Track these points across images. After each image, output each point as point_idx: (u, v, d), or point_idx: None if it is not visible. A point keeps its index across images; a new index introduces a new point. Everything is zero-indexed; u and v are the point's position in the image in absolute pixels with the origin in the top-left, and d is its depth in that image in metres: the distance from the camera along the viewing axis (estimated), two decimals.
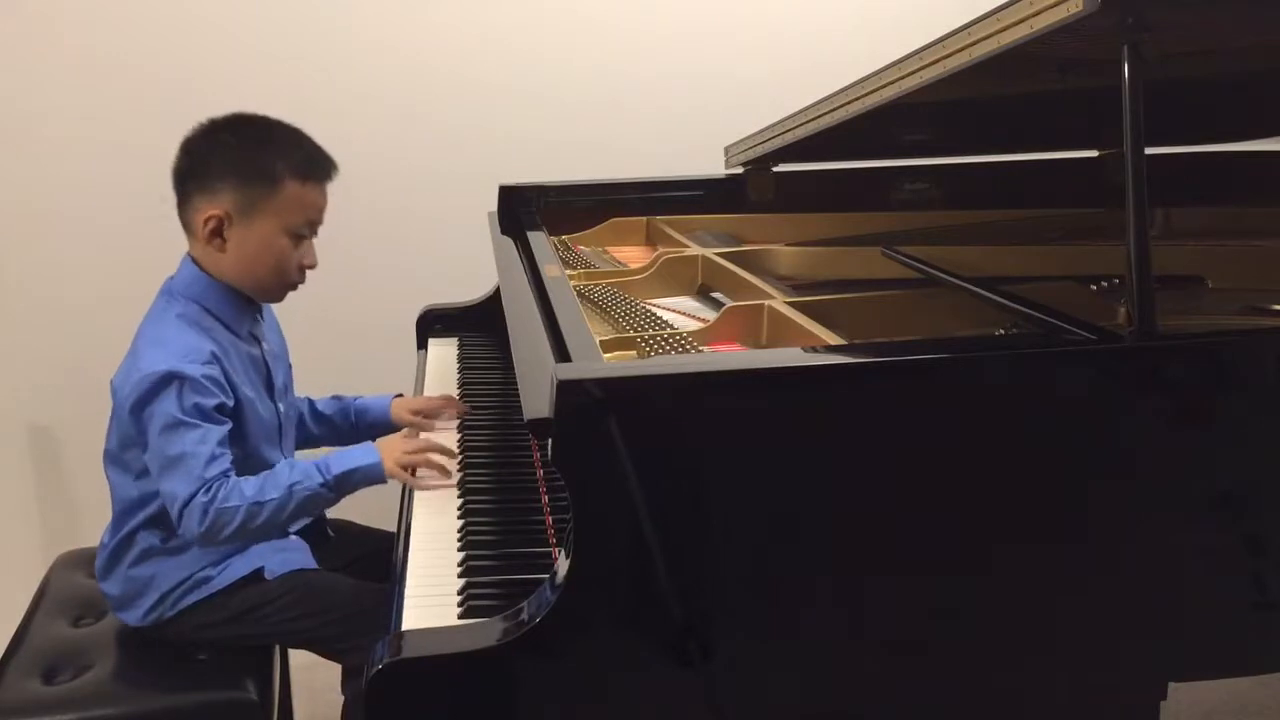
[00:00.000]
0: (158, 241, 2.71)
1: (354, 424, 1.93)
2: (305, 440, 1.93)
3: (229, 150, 1.61)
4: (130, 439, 1.60)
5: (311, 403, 1.93)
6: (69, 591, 1.83)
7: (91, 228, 2.61)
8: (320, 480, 1.56)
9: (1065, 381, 1.22)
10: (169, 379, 1.52)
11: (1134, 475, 1.23)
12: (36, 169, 2.57)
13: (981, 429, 1.19)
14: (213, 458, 1.52)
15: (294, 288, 1.69)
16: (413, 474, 1.62)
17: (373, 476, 1.60)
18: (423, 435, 1.78)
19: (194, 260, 1.65)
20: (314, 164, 1.64)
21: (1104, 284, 1.71)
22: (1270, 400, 1.26)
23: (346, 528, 1.92)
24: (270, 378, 1.73)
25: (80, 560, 1.92)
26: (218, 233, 1.61)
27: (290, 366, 1.85)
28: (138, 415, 1.54)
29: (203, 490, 1.50)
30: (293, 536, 1.76)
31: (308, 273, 1.68)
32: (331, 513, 1.87)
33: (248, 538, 1.59)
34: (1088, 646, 1.25)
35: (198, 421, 1.52)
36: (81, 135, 2.57)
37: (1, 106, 2.53)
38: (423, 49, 2.70)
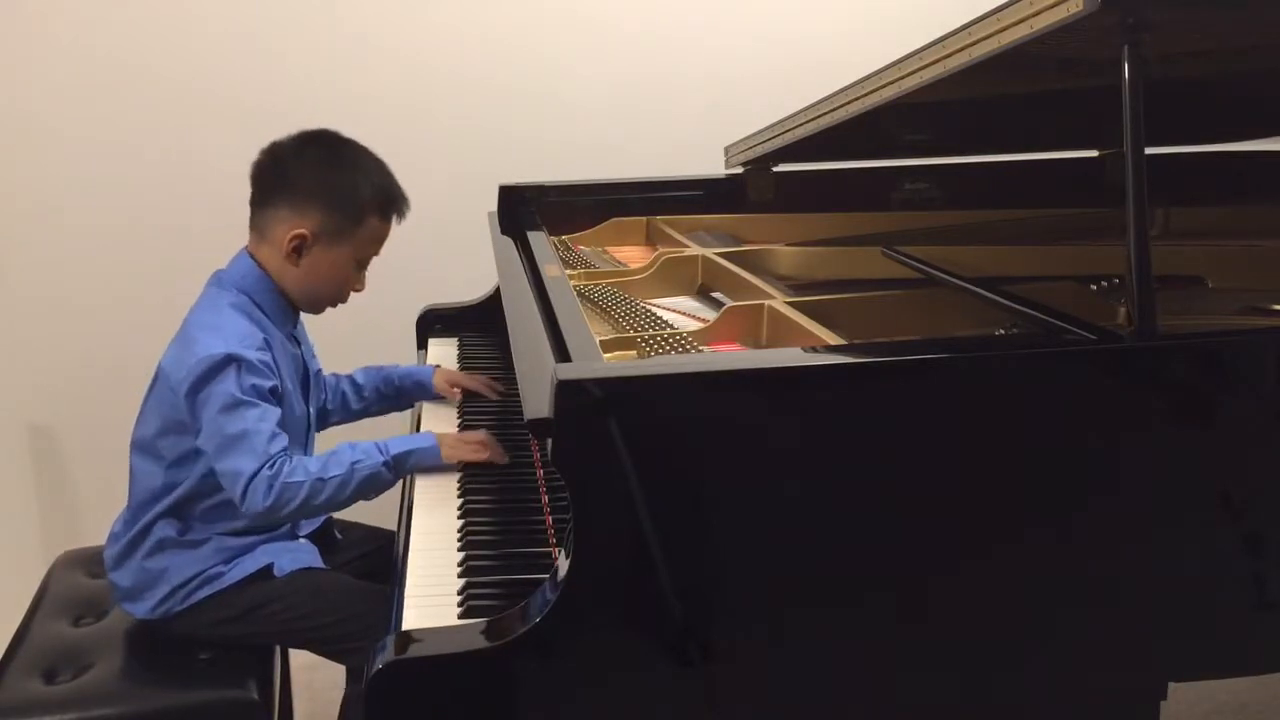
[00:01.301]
0: (158, 241, 2.72)
1: (399, 388, 1.99)
2: (349, 417, 1.98)
3: (320, 171, 1.65)
4: (174, 424, 1.62)
5: (351, 379, 1.98)
6: (69, 591, 1.82)
7: (93, 227, 2.61)
8: (381, 459, 1.60)
9: (1065, 381, 1.22)
10: (228, 361, 1.55)
11: (1134, 475, 1.23)
12: (37, 169, 2.57)
13: (981, 429, 1.20)
14: (274, 435, 1.56)
15: (335, 306, 1.75)
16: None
17: (429, 459, 1.65)
18: (425, 417, 1.85)
19: (252, 257, 1.68)
20: (395, 202, 1.71)
21: (1104, 284, 1.71)
22: (1270, 400, 1.26)
23: (353, 529, 1.93)
24: (308, 378, 1.77)
25: (80, 560, 1.92)
26: (298, 250, 1.65)
27: (319, 375, 1.88)
28: (193, 397, 1.56)
29: (267, 465, 1.53)
30: (302, 540, 1.77)
31: None
32: (345, 513, 1.87)
33: (309, 513, 1.63)
34: (1088, 646, 1.25)
35: (256, 401, 1.56)
36: (82, 135, 2.58)
37: (1, 106, 2.53)
38: (423, 49, 2.70)
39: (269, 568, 1.65)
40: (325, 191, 1.64)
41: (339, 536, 1.88)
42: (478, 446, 1.66)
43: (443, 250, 2.63)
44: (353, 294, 1.75)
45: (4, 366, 2.62)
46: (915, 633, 1.21)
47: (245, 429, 1.54)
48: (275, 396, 1.60)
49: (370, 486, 1.61)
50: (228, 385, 1.54)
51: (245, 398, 1.55)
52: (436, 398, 1.99)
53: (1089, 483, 1.22)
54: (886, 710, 1.23)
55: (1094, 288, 1.70)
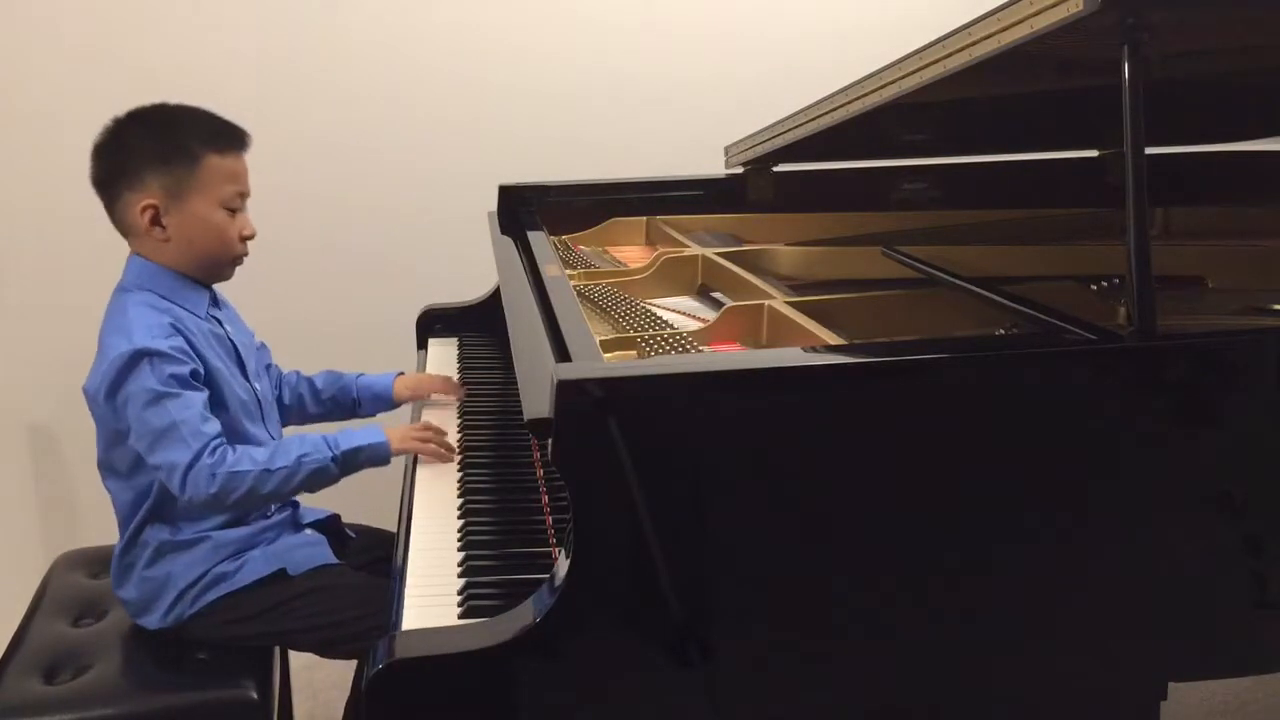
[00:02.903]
0: None
1: (356, 399, 1.98)
2: (306, 419, 1.97)
3: (142, 141, 1.63)
4: (114, 434, 1.61)
5: (310, 382, 1.96)
6: (69, 591, 1.82)
7: (92, 227, 2.60)
8: (329, 454, 1.60)
9: (1065, 381, 1.22)
10: (137, 357, 1.54)
11: (1134, 475, 1.23)
12: (37, 169, 2.57)
13: (981, 429, 1.19)
14: (203, 419, 1.54)
15: (239, 261, 1.72)
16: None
17: (378, 455, 1.65)
18: (425, 418, 1.84)
19: (137, 255, 1.68)
20: (227, 135, 1.67)
21: (1104, 284, 1.71)
22: (1270, 400, 1.26)
23: (366, 530, 1.92)
24: (240, 357, 1.74)
25: (80, 560, 1.92)
26: (156, 221, 1.63)
27: (262, 350, 1.87)
28: (112, 400, 1.56)
29: (206, 452, 1.52)
30: (309, 531, 1.76)
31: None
32: (346, 514, 1.87)
33: (253, 505, 1.63)
34: (1088, 646, 1.25)
35: (178, 390, 1.54)
36: (82, 135, 2.56)
37: (1, 106, 2.53)
38: (423, 49, 2.70)
39: (282, 571, 1.65)
40: (151, 156, 1.62)
41: (352, 535, 1.87)
42: (426, 437, 1.68)
43: (443, 250, 2.63)
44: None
45: (4, 366, 2.62)
46: (915, 632, 1.21)
47: (172, 420, 1.52)
48: (198, 380, 1.59)
49: (316, 481, 1.61)
50: (143, 380, 1.53)
51: (165, 389, 1.53)
52: (397, 405, 1.99)
53: (1089, 483, 1.22)
54: (886, 710, 1.23)
55: (1094, 288, 1.70)
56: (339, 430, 1.67)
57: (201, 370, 1.61)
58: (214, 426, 1.55)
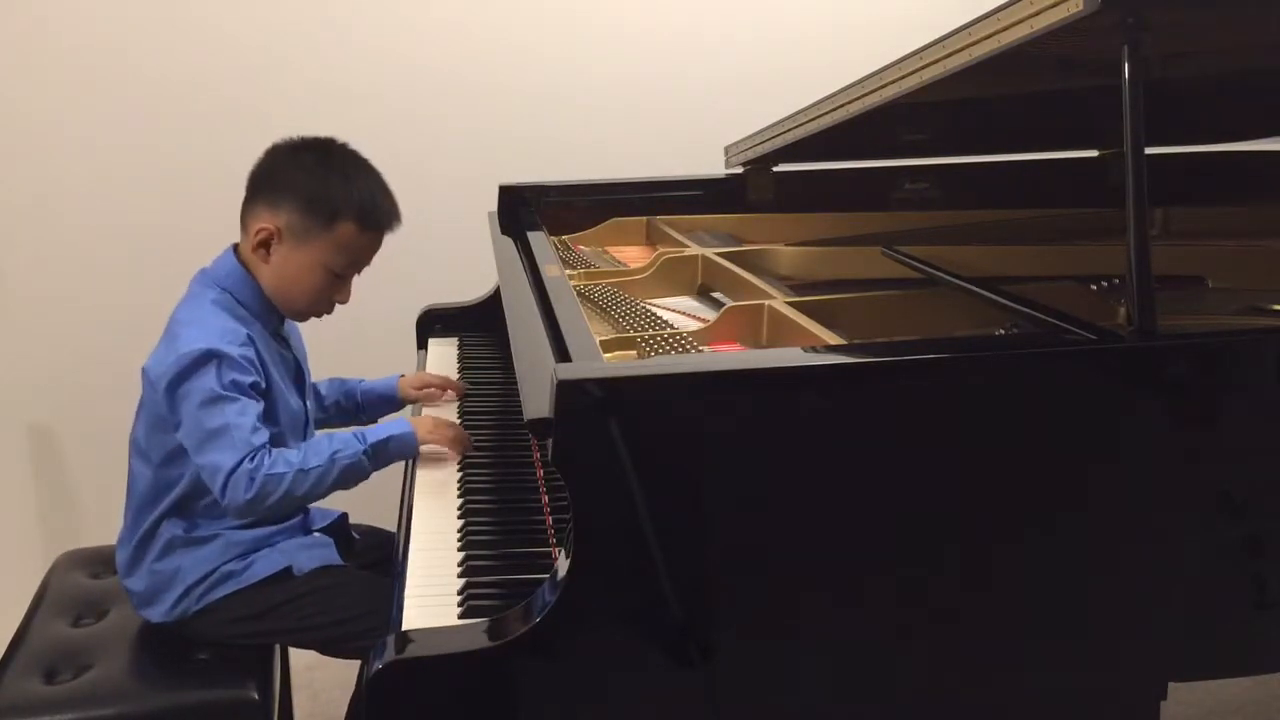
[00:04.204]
0: (158, 241, 2.72)
1: (360, 404, 1.99)
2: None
3: (305, 172, 1.64)
4: (160, 420, 1.61)
5: (315, 388, 1.96)
6: (69, 591, 1.82)
7: (92, 228, 2.61)
8: (360, 448, 1.60)
9: (1065, 381, 1.22)
10: (208, 356, 1.55)
11: (1134, 475, 1.23)
12: (37, 169, 2.57)
13: (981, 429, 1.19)
14: (255, 429, 1.55)
15: (318, 316, 1.74)
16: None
17: (407, 445, 1.65)
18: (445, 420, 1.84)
19: (237, 254, 1.69)
20: (377, 213, 1.68)
21: (1104, 284, 1.71)
22: (1270, 400, 1.26)
23: (370, 530, 1.93)
24: (300, 374, 1.77)
25: (80, 560, 1.92)
26: (265, 245, 1.65)
27: (309, 369, 1.88)
28: (173, 393, 1.56)
29: (248, 458, 1.53)
30: (317, 534, 1.76)
31: None
32: (350, 515, 1.87)
33: (290, 506, 1.63)
34: (1088, 646, 1.25)
35: (237, 395, 1.55)
36: (82, 135, 2.58)
37: (1, 106, 2.53)
38: (423, 49, 2.70)
39: (288, 569, 1.65)
40: (303, 190, 1.63)
41: (356, 536, 1.87)
42: (451, 432, 1.69)
43: (443, 250, 2.63)
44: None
45: (4, 366, 2.62)
46: (915, 632, 1.21)
47: (225, 423, 1.53)
48: (257, 392, 1.60)
49: (350, 476, 1.61)
50: (207, 380, 1.54)
51: (225, 392, 1.54)
52: (402, 406, 1.99)
53: (1089, 482, 1.22)
54: (886, 710, 1.23)
55: (1094, 288, 1.70)
56: (369, 426, 1.68)
57: (264, 384, 1.62)
58: (262, 437, 1.56)
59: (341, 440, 1.60)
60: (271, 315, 1.71)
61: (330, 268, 1.66)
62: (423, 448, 1.68)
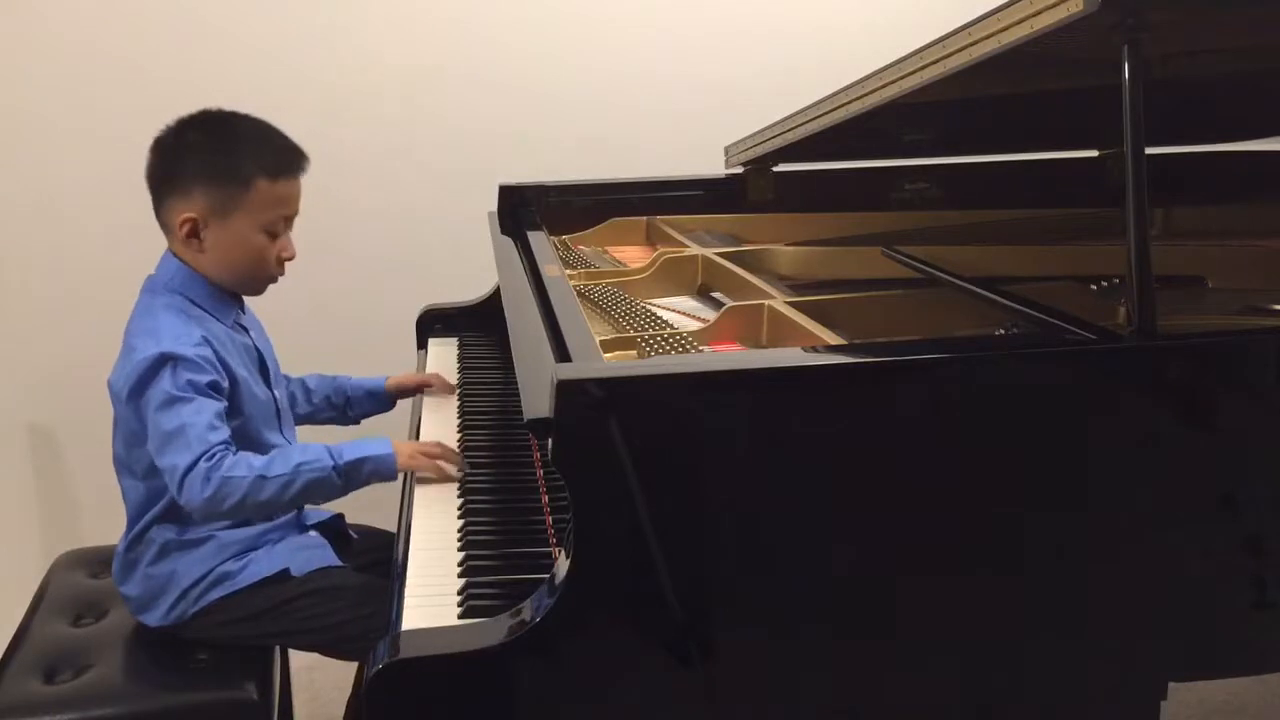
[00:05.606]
0: (158, 241, 2.71)
1: (349, 399, 1.98)
2: (296, 420, 1.94)
3: (199, 151, 1.63)
4: (133, 434, 1.61)
5: (303, 382, 1.96)
6: (69, 591, 1.82)
7: (92, 227, 2.61)
8: (330, 464, 1.56)
9: (1065, 381, 1.22)
10: (162, 360, 1.54)
11: (1134, 475, 1.23)
12: (36, 168, 2.57)
13: (981, 429, 1.19)
14: (211, 427, 1.53)
15: (274, 280, 1.72)
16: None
17: (384, 468, 1.60)
18: (425, 416, 1.84)
19: (175, 255, 1.67)
20: (283, 161, 1.66)
21: (1104, 284, 1.71)
22: (1270, 400, 1.26)
23: (367, 530, 1.92)
24: (264, 364, 1.75)
25: (80, 560, 1.92)
26: (194, 234, 1.63)
27: (276, 359, 1.86)
28: (135, 402, 1.56)
29: (204, 457, 1.51)
30: (313, 533, 1.75)
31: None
32: (347, 515, 1.87)
33: (250, 513, 1.60)
34: (1088, 646, 1.25)
35: (192, 395, 1.54)
36: (82, 134, 2.57)
37: (2, 106, 2.53)
38: (423, 48, 2.70)
39: (285, 571, 1.64)
40: (205, 170, 1.61)
41: (354, 536, 1.87)
42: (435, 454, 1.63)
43: (443, 250, 2.63)
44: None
45: (4, 366, 2.62)
46: (915, 632, 1.21)
47: (181, 424, 1.52)
48: (216, 391, 1.58)
49: (316, 491, 1.58)
50: (163, 384, 1.53)
51: (180, 394, 1.53)
52: (391, 404, 2.00)
53: (1089, 482, 1.22)
54: (886, 710, 1.23)
55: (1094, 288, 1.70)
56: (349, 442, 1.63)
57: (224, 382, 1.60)
58: (220, 434, 1.54)
59: (313, 453, 1.57)
60: (228, 307, 1.69)
61: (263, 227, 1.64)
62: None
